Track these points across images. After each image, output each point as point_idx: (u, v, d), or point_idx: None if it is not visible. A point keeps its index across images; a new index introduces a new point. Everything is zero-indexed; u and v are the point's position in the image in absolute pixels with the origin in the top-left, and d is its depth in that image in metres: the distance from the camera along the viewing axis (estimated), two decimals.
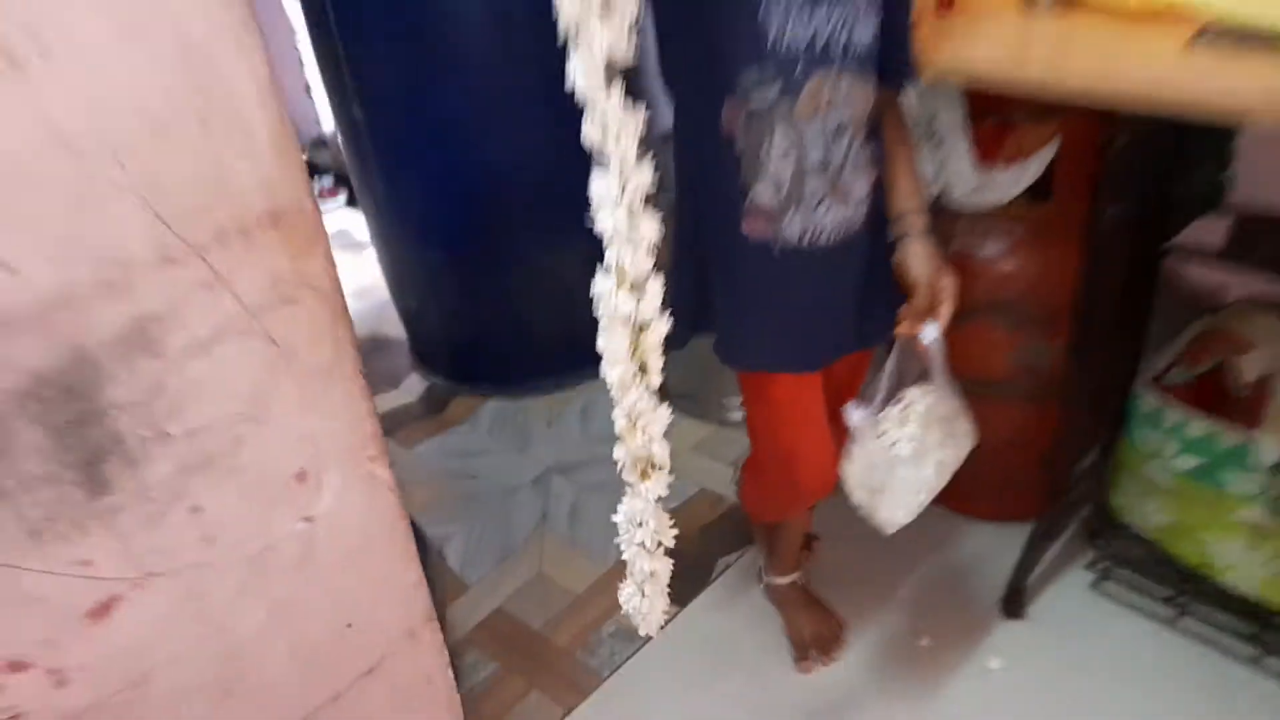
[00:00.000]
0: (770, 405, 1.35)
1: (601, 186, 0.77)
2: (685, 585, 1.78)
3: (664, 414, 0.90)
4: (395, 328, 2.63)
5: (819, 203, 1.16)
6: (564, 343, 2.32)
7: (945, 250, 1.53)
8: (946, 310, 1.23)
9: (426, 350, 2.56)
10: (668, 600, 1.06)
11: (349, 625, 0.99)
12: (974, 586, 1.73)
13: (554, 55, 0.75)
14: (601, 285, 0.83)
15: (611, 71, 0.71)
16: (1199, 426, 1.43)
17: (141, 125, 0.66)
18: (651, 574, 1.03)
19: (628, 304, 0.83)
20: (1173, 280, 1.69)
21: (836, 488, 1.36)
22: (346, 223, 3.50)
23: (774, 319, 1.25)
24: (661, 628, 1.09)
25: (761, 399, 1.35)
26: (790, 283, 1.22)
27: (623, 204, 0.77)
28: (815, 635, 1.64)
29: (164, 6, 0.65)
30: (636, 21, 0.70)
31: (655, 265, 0.83)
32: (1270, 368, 1.37)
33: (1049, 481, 1.65)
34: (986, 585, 1.71)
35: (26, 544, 0.71)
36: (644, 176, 0.77)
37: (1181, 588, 1.56)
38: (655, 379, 0.88)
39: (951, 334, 1.29)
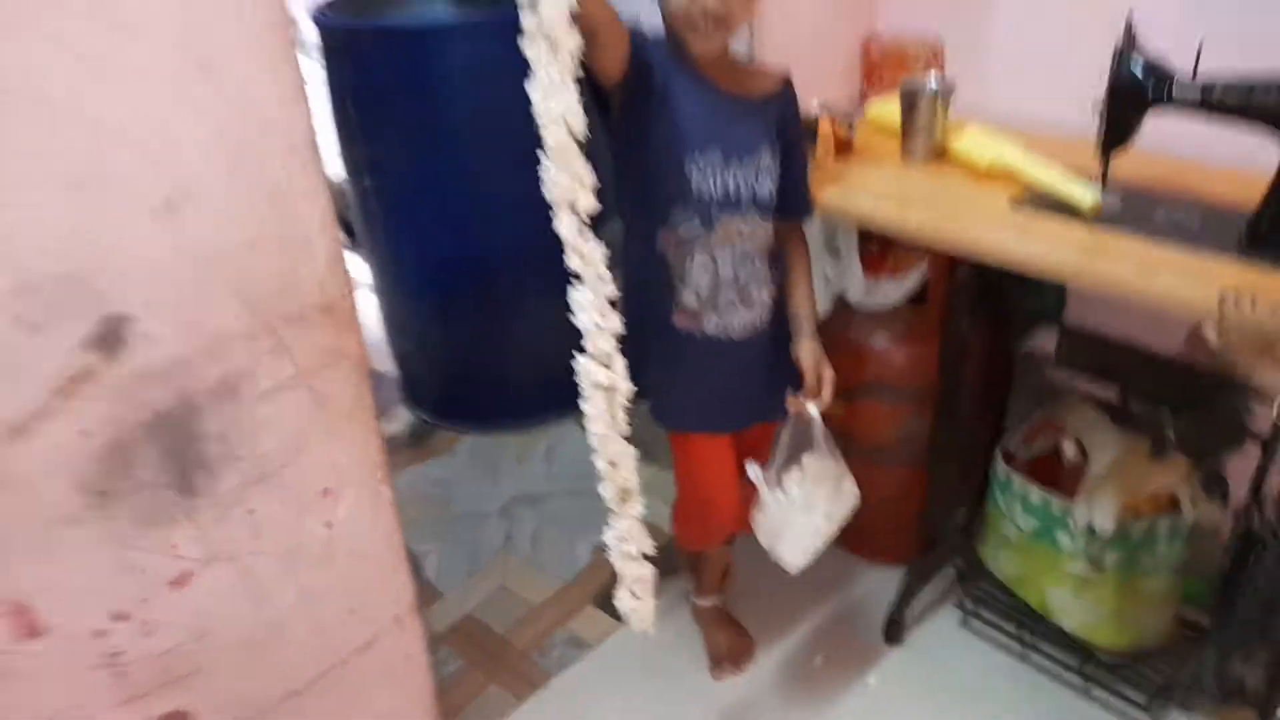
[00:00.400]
0: (689, 459, 1.53)
1: (580, 296, 0.98)
2: None
3: (632, 451, 1.08)
4: (385, 364, 2.67)
5: (730, 306, 1.37)
6: (535, 390, 2.43)
7: (844, 338, 1.76)
8: (827, 393, 1.42)
9: (415, 389, 2.64)
10: (655, 600, 1.19)
11: (352, 610, 1.16)
12: (863, 617, 1.87)
13: (538, 145, 0.91)
14: (582, 364, 1.02)
15: (585, 221, 0.93)
16: (1036, 495, 1.60)
17: (243, 244, 0.89)
18: (639, 579, 1.18)
19: (602, 375, 1.02)
20: (1029, 371, 1.89)
21: (746, 526, 1.51)
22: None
23: (695, 391, 1.44)
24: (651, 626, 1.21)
25: (683, 453, 1.53)
26: (708, 364, 1.41)
27: (596, 308, 0.98)
28: (730, 649, 1.79)
29: (265, 165, 0.87)
30: (598, 185, 0.93)
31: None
32: (1083, 451, 1.57)
33: (924, 533, 1.85)
34: (874, 616, 1.85)
35: (136, 530, 0.90)
36: (610, 289, 0.98)
37: (1027, 626, 1.72)
38: (624, 428, 1.07)
39: (847, 408, 1.49)
